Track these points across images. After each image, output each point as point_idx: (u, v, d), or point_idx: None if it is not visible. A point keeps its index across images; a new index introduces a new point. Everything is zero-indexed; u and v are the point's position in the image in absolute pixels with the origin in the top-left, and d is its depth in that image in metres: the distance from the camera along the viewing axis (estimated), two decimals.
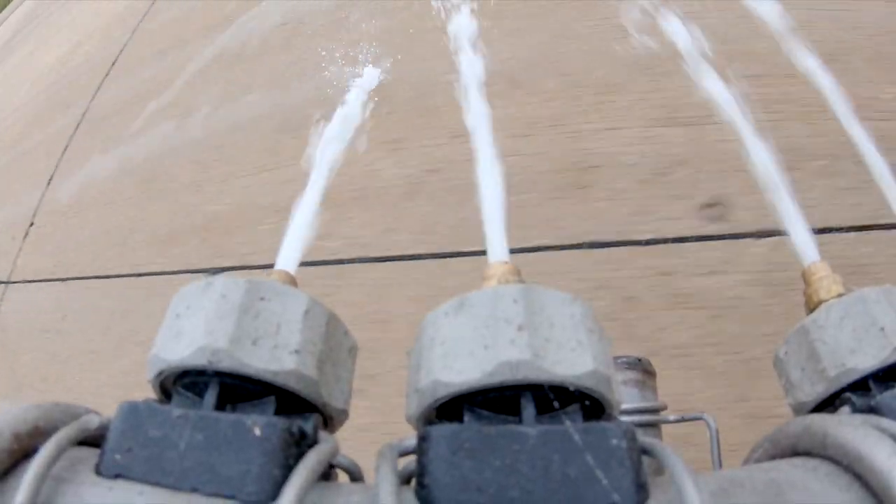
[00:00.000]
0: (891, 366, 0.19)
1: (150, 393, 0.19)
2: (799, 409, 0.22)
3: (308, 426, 0.16)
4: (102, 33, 1.76)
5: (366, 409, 0.69)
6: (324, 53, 1.09)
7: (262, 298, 0.18)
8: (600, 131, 0.81)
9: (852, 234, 0.64)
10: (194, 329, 0.17)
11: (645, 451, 0.16)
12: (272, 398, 0.18)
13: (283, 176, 0.98)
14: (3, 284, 1.22)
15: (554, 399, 0.16)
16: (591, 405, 0.17)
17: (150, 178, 1.17)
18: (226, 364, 0.17)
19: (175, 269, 1.01)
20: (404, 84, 0.95)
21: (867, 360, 0.20)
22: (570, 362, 0.16)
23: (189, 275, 0.97)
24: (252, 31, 1.30)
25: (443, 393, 0.17)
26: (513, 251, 0.21)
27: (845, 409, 0.20)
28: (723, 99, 0.28)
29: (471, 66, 0.28)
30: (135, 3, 1.74)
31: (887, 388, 0.19)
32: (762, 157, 0.26)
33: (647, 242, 0.72)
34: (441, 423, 0.18)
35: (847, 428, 0.16)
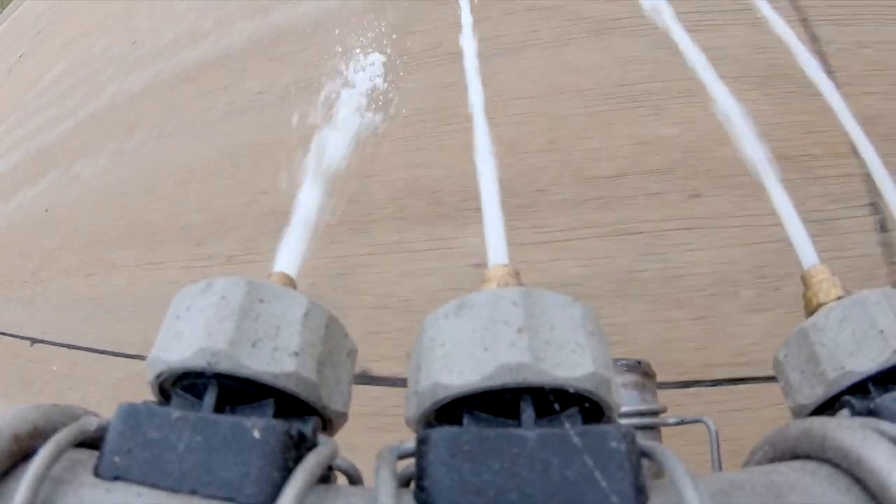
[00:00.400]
0: (890, 368, 0.19)
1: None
2: (798, 412, 0.22)
3: (307, 429, 0.16)
4: None
5: None
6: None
7: (261, 300, 0.18)
8: None
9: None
10: (194, 330, 0.17)
11: (644, 453, 0.16)
12: (271, 400, 0.18)
13: None
14: None
15: (554, 402, 0.16)
16: (591, 408, 0.17)
17: None
18: (225, 366, 0.17)
19: None
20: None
21: (866, 363, 0.20)
22: (570, 365, 0.16)
23: None
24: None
25: (442, 395, 0.17)
26: None
27: (845, 411, 0.20)
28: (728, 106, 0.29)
29: (475, 84, 0.28)
30: None
31: (887, 390, 0.19)
32: (762, 161, 0.26)
33: None
34: (440, 425, 0.18)
35: (846, 431, 0.16)
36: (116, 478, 0.16)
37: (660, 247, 0.65)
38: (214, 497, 0.15)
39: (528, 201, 0.71)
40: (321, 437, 0.17)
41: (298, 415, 0.18)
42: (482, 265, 0.21)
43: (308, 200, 0.26)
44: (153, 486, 0.15)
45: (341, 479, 0.20)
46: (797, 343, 0.22)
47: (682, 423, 0.38)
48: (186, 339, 0.17)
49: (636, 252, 0.66)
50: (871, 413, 0.19)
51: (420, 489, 0.15)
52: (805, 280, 0.24)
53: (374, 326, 0.70)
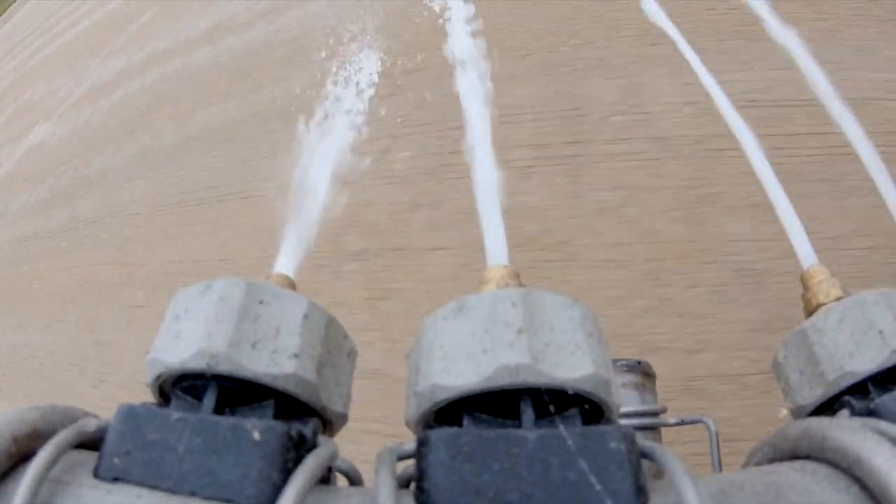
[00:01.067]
0: (889, 369, 0.19)
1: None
2: (798, 413, 0.22)
3: (307, 430, 0.16)
4: None
5: None
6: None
7: (261, 302, 0.18)
8: None
9: None
10: (193, 332, 0.17)
11: (644, 454, 0.16)
12: (271, 402, 0.18)
13: None
14: None
15: (553, 403, 0.16)
16: (591, 408, 0.17)
17: None
18: (225, 367, 0.17)
19: None
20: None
21: (866, 364, 0.20)
22: (570, 366, 0.16)
23: None
24: None
25: (441, 397, 0.17)
26: None
27: (844, 412, 0.20)
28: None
29: (471, 80, 0.28)
30: None
31: (886, 390, 0.19)
32: (762, 164, 0.26)
33: None
34: (440, 426, 0.18)
35: (846, 431, 0.16)
36: (116, 479, 0.16)
37: None
38: (214, 498, 0.15)
39: None
40: (321, 439, 0.17)
41: (298, 416, 0.18)
42: None
43: (307, 203, 0.26)
44: (153, 487, 0.15)
45: (342, 481, 0.20)
46: (796, 344, 0.22)
47: (682, 423, 0.38)
48: (186, 341, 0.17)
49: None
50: (870, 413, 0.19)
51: (420, 490, 0.15)
52: (804, 281, 0.24)
53: None
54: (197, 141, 1.18)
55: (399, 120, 0.93)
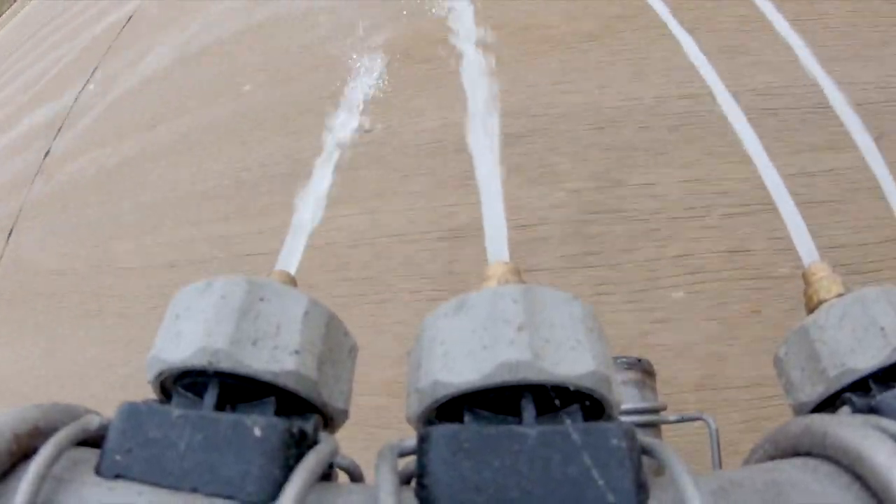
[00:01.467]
0: (891, 366, 0.19)
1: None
2: (799, 410, 0.22)
3: (308, 426, 0.16)
4: None
5: None
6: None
7: (261, 299, 0.18)
8: None
9: None
10: (194, 330, 0.17)
11: (645, 451, 0.16)
12: (272, 399, 0.18)
13: None
14: None
15: (555, 398, 0.16)
16: (592, 405, 0.17)
17: None
18: (226, 364, 0.17)
19: None
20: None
21: (867, 361, 0.20)
22: (570, 362, 0.16)
23: None
24: None
25: (442, 394, 0.17)
26: None
27: (845, 409, 0.20)
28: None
29: (476, 83, 0.28)
30: None
31: (887, 388, 0.19)
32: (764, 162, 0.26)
33: None
34: (441, 423, 0.18)
35: (847, 428, 0.16)
36: (118, 476, 0.16)
37: None
38: (216, 495, 0.15)
39: None
40: (322, 435, 0.17)
41: (299, 413, 0.18)
42: None
43: (307, 203, 0.26)
44: (154, 484, 0.15)
45: (343, 477, 0.20)
46: (798, 341, 0.22)
47: (682, 420, 0.38)
48: (187, 339, 0.17)
49: None
50: (871, 410, 0.19)
51: (421, 487, 0.15)
52: (806, 277, 0.24)
53: None
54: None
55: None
